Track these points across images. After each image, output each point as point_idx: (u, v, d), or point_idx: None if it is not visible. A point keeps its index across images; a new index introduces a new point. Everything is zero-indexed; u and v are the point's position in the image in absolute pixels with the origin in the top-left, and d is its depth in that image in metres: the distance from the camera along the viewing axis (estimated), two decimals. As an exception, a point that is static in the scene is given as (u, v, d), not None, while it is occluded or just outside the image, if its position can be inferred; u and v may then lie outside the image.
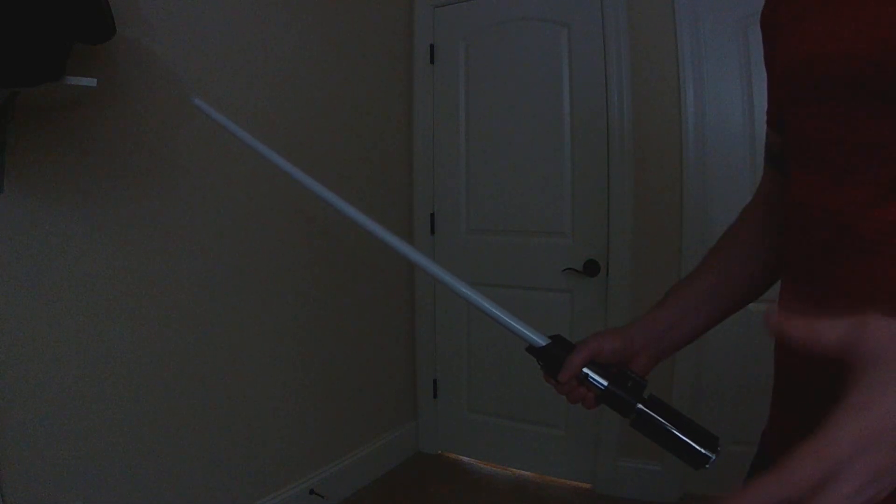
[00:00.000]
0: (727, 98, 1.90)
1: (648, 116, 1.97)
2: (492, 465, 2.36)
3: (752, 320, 1.82)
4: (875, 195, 0.41)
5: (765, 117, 0.64)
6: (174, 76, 1.50)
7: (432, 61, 2.37)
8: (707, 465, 0.54)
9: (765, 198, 0.65)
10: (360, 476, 2.17)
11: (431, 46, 2.36)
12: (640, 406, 0.57)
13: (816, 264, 0.47)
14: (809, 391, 0.50)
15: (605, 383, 0.58)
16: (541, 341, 0.61)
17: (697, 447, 0.55)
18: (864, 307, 0.42)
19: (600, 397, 0.59)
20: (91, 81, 1.11)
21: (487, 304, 0.63)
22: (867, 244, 0.42)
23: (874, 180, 0.42)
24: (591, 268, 2.06)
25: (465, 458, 2.42)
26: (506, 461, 2.34)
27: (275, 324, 1.83)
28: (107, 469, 1.39)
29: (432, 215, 2.40)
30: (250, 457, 1.76)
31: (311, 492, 1.93)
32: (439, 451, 2.48)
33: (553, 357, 0.60)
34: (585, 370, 0.59)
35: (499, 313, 0.62)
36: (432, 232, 2.40)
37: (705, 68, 1.91)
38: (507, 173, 2.23)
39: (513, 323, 0.61)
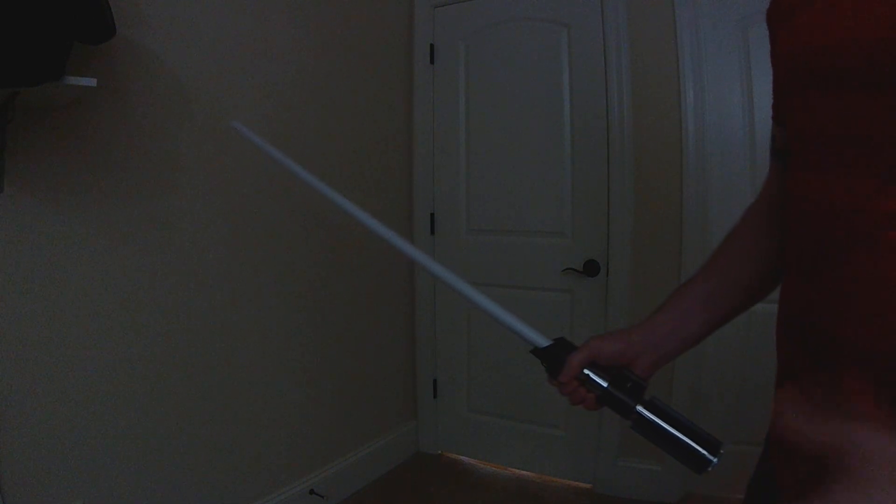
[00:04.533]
0: (727, 98, 1.90)
1: (648, 116, 1.97)
2: (492, 465, 2.36)
3: (752, 321, 1.82)
4: (873, 187, 0.41)
5: (767, 115, 0.63)
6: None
7: (432, 61, 2.37)
8: (709, 469, 0.54)
9: (770, 195, 0.64)
10: (360, 476, 2.17)
11: (431, 46, 2.36)
12: (639, 408, 0.57)
13: (816, 259, 0.47)
14: (809, 373, 0.49)
15: (605, 384, 0.59)
16: (544, 342, 0.62)
17: (700, 450, 0.54)
18: (863, 303, 0.42)
19: (600, 398, 0.60)
20: (91, 81, 1.10)
21: (495, 308, 0.64)
22: (866, 237, 0.42)
23: (872, 172, 0.41)
24: (591, 268, 2.06)
25: (466, 458, 2.42)
26: (506, 461, 2.34)
27: (275, 324, 1.83)
28: (107, 469, 1.39)
29: (432, 215, 2.40)
30: (250, 457, 1.76)
31: (311, 492, 1.93)
32: (439, 451, 2.48)
33: (555, 358, 0.61)
34: (586, 371, 0.60)
35: (505, 316, 0.63)
36: (432, 232, 2.40)
37: (705, 68, 1.91)
38: (507, 173, 2.23)
39: (517, 325, 0.62)
